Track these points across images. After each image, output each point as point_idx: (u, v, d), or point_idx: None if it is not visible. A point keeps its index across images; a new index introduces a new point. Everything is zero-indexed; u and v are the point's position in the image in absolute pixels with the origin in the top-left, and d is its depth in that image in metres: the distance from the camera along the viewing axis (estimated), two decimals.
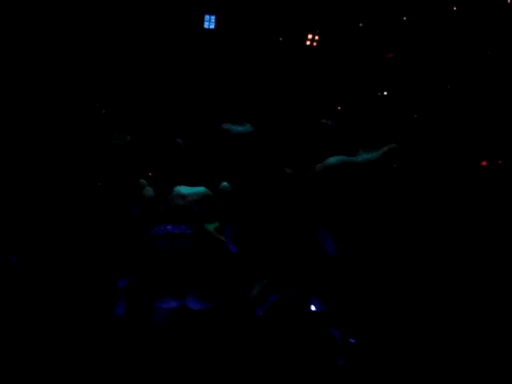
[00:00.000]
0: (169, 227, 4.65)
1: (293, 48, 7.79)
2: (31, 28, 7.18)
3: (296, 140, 6.21)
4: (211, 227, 4.75)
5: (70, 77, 7.38)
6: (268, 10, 7.70)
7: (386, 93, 7.53)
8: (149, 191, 4.92)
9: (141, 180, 5.13)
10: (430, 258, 6.41)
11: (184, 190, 4.77)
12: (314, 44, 7.77)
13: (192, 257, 4.64)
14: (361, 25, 7.76)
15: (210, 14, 7.52)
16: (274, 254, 4.57)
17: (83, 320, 5.29)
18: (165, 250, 4.66)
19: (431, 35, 7.57)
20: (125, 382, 4.75)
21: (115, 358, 4.82)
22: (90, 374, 4.93)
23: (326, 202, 4.31)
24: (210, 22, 7.52)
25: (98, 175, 7.09)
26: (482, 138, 7.20)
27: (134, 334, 4.78)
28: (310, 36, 7.75)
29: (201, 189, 4.83)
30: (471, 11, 7.43)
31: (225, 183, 4.88)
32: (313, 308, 4.37)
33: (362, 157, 4.52)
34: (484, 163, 7.24)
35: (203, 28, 7.57)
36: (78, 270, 5.86)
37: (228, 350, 4.51)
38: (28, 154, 6.81)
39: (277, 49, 7.81)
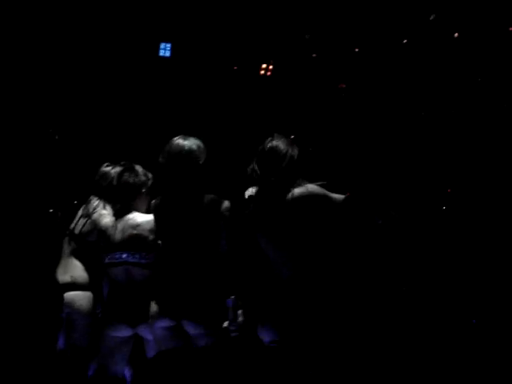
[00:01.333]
0: (124, 255, 4.65)
1: (247, 77, 7.89)
2: None
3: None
4: None
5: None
6: (223, 40, 7.80)
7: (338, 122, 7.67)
8: (106, 217, 4.91)
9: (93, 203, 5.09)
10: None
11: (138, 217, 4.76)
12: (268, 73, 7.88)
13: (145, 286, 4.63)
14: (314, 55, 7.90)
15: (166, 42, 7.58)
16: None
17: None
18: (119, 277, 4.66)
19: (383, 66, 7.75)
20: None
21: None
22: None
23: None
24: (165, 51, 7.57)
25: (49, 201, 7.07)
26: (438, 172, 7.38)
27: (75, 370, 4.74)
28: (264, 65, 7.86)
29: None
30: (422, 44, 7.63)
31: None
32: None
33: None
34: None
35: (158, 56, 7.62)
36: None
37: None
38: None
39: (231, 77, 7.90)
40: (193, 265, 4.46)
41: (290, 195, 4.27)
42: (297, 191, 4.27)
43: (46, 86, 7.49)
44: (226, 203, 4.54)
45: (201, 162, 4.58)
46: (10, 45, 7.28)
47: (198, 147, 4.60)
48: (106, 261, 4.68)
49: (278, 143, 4.44)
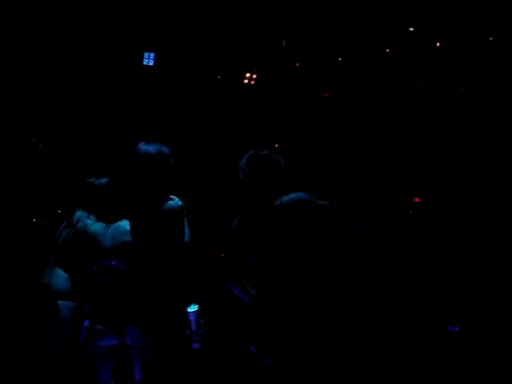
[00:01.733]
0: (113, 262, 4.62)
1: (231, 86, 7.92)
2: None
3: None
4: None
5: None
6: (207, 48, 7.82)
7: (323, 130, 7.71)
8: (92, 225, 4.90)
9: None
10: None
11: (128, 225, 4.74)
12: (252, 83, 7.91)
13: (133, 293, 4.60)
14: (297, 64, 7.94)
15: (149, 51, 7.59)
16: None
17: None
18: (107, 284, 4.63)
19: (366, 76, 7.81)
20: None
21: None
22: None
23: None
24: (148, 60, 7.58)
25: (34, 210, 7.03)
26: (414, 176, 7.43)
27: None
28: (247, 74, 7.88)
29: None
30: (405, 53, 7.70)
31: None
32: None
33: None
34: (417, 199, 7.45)
35: (142, 65, 7.63)
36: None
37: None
38: None
39: (215, 86, 7.92)
40: (148, 269, 4.46)
41: (278, 203, 4.30)
42: (285, 199, 4.31)
43: (30, 94, 7.47)
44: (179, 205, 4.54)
45: (172, 165, 4.61)
46: None
47: (166, 151, 4.63)
48: (94, 268, 4.65)
49: (270, 152, 4.50)
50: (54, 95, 7.55)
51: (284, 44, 7.73)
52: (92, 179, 5.12)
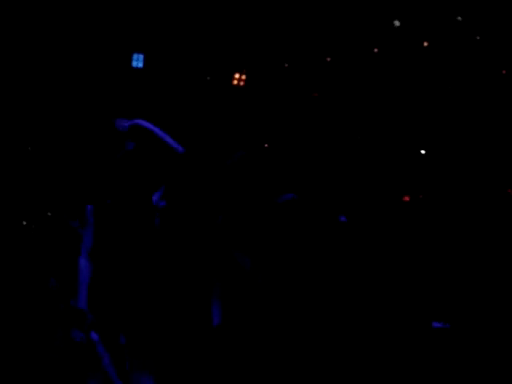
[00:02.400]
0: None
1: (220, 87, 7.92)
2: None
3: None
4: None
5: None
6: (196, 50, 7.82)
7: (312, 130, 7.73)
8: None
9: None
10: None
11: None
12: (241, 84, 7.91)
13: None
14: (286, 65, 7.95)
15: (138, 52, 7.57)
16: None
17: None
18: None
19: (354, 75, 7.83)
20: None
21: None
22: None
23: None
24: (138, 61, 7.57)
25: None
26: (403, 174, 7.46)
27: None
28: (236, 75, 7.88)
29: None
30: (394, 52, 7.72)
31: None
32: None
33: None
34: (406, 198, 7.47)
35: (131, 67, 7.62)
36: None
37: None
38: None
39: (204, 87, 7.92)
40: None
41: (268, 204, 4.33)
42: (273, 199, 4.34)
43: (17, 97, 7.44)
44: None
45: None
46: None
47: None
48: None
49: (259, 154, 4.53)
50: (42, 98, 7.52)
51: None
52: None
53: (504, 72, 7.27)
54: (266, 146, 7.93)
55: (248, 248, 4.41)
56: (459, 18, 7.39)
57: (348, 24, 7.77)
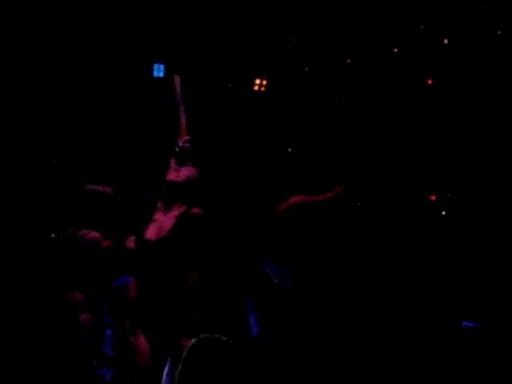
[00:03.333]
0: (129, 279, 4.72)
1: (241, 93, 7.96)
2: None
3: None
4: None
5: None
6: (216, 57, 7.87)
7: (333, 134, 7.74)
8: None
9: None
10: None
11: None
12: (262, 89, 7.94)
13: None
14: (306, 69, 7.98)
15: (159, 63, 7.65)
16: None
17: None
18: None
19: (375, 76, 7.83)
20: None
21: None
22: None
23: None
24: (159, 71, 7.64)
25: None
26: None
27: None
28: (257, 81, 7.92)
29: None
30: (413, 53, 7.71)
31: None
32: None
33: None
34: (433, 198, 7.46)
35: (153, 76, 7.69)
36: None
37: None
38: None
39: (226, 94, 7.96)
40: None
41: (276, 211, 4.38)
42: (283, 205, 4.40)
43: (39, 108, 7.53)
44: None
45: None
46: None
47: None
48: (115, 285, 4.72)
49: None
50: (65, 109, 7.60)
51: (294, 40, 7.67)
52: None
53: None
54: (289, 150, 7.96)
55: (274, 257, 4.46)
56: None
57: (367, 25, 7.77)
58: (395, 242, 7.04)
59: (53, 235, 6.65)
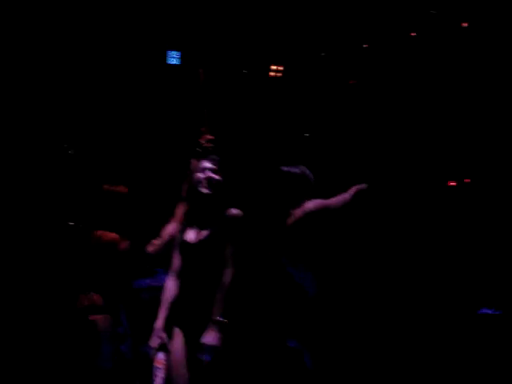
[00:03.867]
0: (147, 281, 4.73)
1: (257, 79, 7.89)
2: None
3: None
4: None
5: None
6: (232, 44, 7.80)
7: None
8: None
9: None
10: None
11: None
12: (279, 75, 7.87)
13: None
14: (323, 54, 7.89)
15: (175, 50, 7.59)
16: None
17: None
18: (148, 300, 4.73)
19: (392, 61, 7.73)
20: None
21: None
22: None
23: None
24: (174, 58, 7.58)
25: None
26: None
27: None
28: (273, 67, 7.85)
29: None
30: (430, 38, 7.60)
31: None
32: None
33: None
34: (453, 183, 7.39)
35: (167, 64, 7.63)
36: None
37: None
38: None
39: (241, 81, 7.90)
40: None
41: (292, 216, 4.38)
42: (298, 212, 4.38)
43: (53, 97, 7.49)
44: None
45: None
46: (16, 55, 7.29)
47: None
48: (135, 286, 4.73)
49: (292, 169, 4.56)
50: (78, 97, 7.56)
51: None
52: None
53: None
54: (306, 135, 7.91)
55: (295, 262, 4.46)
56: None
57: (383, 9, 7.67)
58: (412, 239, 7.01)
59: (70, 236, 6.65)
